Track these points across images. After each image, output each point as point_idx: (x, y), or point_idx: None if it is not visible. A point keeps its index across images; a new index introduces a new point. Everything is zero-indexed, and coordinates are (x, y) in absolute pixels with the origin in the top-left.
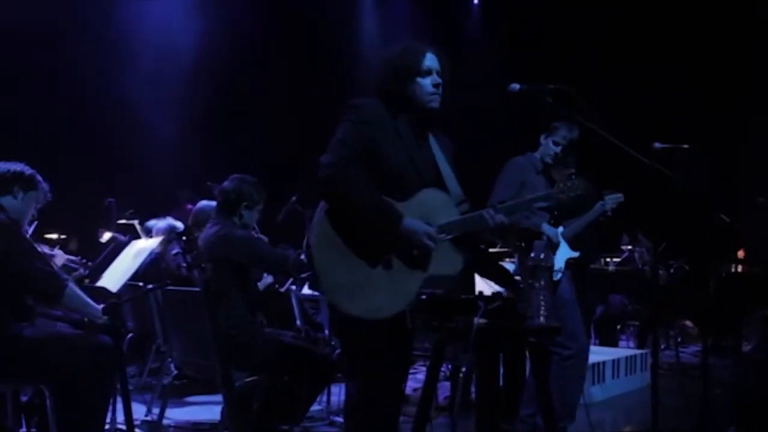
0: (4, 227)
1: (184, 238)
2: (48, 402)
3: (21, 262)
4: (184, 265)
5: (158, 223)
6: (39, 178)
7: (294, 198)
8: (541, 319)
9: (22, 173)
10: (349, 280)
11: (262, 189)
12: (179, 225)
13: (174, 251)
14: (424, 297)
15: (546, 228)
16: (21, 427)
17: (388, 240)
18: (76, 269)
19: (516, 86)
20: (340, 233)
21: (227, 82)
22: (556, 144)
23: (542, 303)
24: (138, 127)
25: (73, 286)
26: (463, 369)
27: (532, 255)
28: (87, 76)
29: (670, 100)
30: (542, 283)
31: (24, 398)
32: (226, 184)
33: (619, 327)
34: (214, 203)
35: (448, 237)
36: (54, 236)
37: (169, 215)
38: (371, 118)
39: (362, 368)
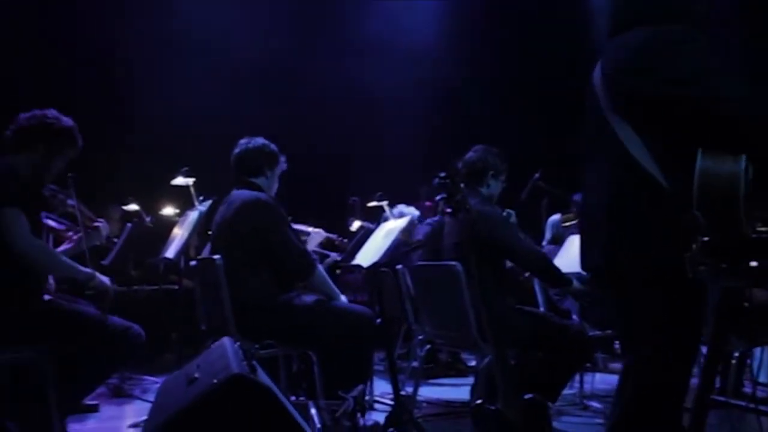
0: (268, 206)
1: (446, 180)
2: (315, 368)
3: (281, 235)
4: (448, 210)
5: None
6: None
7: (537, 175)
8: None
9: (269, 150)
10: None
11: (505, 159)
12: (415, 212)
13: (438, 198)
14: (706, 239)
15: None
16: (292, 394)
17: None
18: (328, 256)
19: None
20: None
21: (468, 64)
22: None
23: None
24: (380, 120)
25: (320, 267)
26: (735, 354)
27: None
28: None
29: None
30: None
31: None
32: (470, 155)
33: None
34: None
35: None
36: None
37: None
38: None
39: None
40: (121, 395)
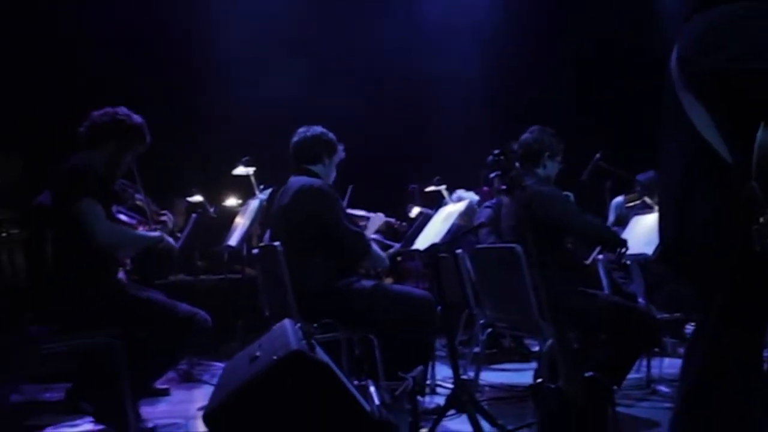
0: (322, 191)
1: (500, 157)
2: (376, 352)
3: (335, 219)
4: (503, 187)
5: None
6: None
7: (598, 155)
8: None
9: (327, 139)
10: None
11: (561, 140)
12: (474, 197)
13: (493, 175)
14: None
15: None
16: (354, 377)
17: None
18: (390, 246)
19: None
20: None
21: (528, 46)
22: None
23: None
24: (438, 105)
25: (374, 247)
26: None
27: None
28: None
29: None
30: None
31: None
32: (525, 136)
33: None
34: None
35: None
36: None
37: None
38: None
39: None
40: (190, 380)
